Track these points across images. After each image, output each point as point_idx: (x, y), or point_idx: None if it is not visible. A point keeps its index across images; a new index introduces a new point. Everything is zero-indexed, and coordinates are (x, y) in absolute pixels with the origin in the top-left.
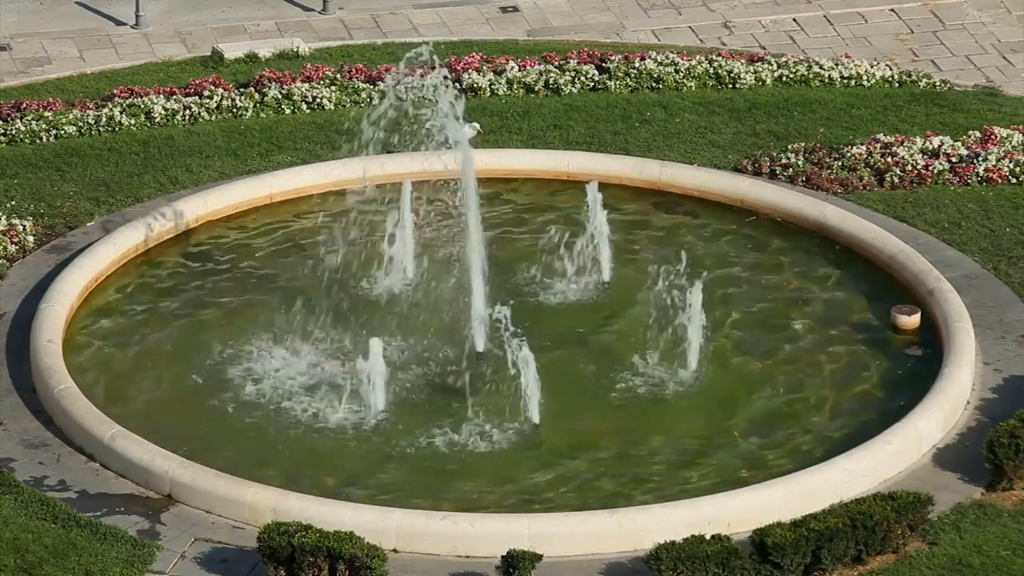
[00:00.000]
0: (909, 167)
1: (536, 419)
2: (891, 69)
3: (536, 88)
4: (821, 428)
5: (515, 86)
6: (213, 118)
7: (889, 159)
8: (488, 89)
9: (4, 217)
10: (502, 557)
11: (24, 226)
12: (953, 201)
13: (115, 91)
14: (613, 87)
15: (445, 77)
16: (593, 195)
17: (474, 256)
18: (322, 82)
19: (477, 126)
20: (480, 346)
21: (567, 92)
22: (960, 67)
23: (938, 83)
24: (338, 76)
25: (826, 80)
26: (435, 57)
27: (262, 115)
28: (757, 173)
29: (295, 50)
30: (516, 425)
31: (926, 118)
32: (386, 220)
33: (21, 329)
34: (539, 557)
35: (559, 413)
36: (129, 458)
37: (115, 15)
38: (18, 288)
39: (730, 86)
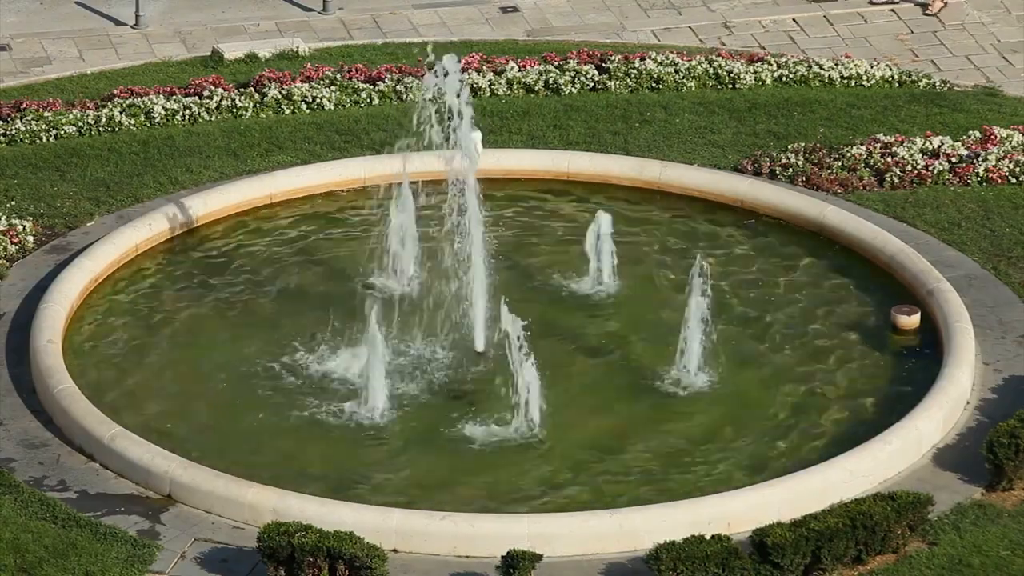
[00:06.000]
0: (909, 167)
1: (536, 419)
2: (891, 69)
3: (536, 88)
4: (821, 428)
5: (515, 86)
6: (213, 118)
7: (889, 159)
8: (488, 89)
9: (4, 217)
10: (502, 557)
11: (24, 226)
12: (953, 201)
13: (115, 91)
14: (613, 87)
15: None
16: (604, 224)
17: (475, 255)
18: (322, 82)
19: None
20: (480, 345)
21: (567, 92)
22: (960, 67)
23: (938, 83)
24: (338, 76)
25: (826, 80)
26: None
27: (262, 115)
28: (757, 173)
29: (295, 50)
30: (516, 425)
31: (926, 118)
32: (386, 220)
33: (21, 329)
34: (539, 557)
35: (560, 413)
36: (129, 458)
37: (115, 15)
38: (18, 288)
39: (730, 86)
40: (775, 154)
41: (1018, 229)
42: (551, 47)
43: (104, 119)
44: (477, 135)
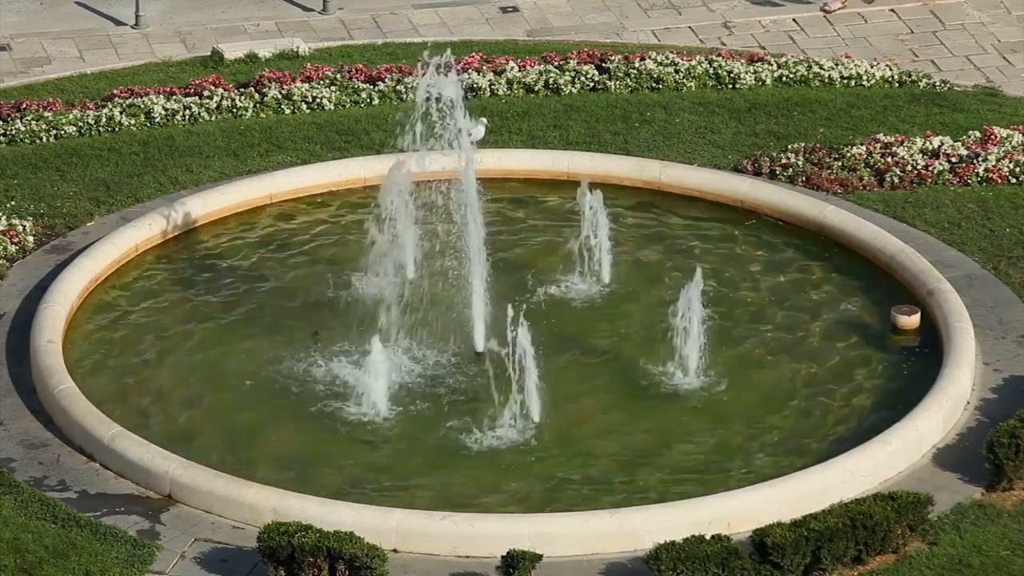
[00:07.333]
0: (909, 167)
1: (536, 418)
2: (891, 69)
3: (536, 88)
4: (821, 428)
5: (515, 86)
6: (213, 118)
7: (889, 159)
8: (488, 89)
9: (4, 217)
10: (502, 557)
11: (24, 226)
12: (953, 201)
13: (115, 91)
14: (613, 87)
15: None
16: (595, 201)
17: (474, 255)
18: (322, 82)
19: (485, 120)
20: (480, 346)
21: (567, 92)
22: (960, 67)
23: (938, 83)
24: (338, 76)
25: (826, 80)
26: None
27: (262, 115)
28: (757, 173)
29: (295, 50)
30: (516, 425)
31: (926, 118)
32: (385, 220)
33: (21, 329)
34: (539, 557)
35: (559, 412)
36: (129, 458)
37: (115, 15)
38: (18, 288)
39: (730, 86)
40: (775, 154)
41: (1018, 229)
42: (551, 47)
43: (104, 119)
44: (480, 129)
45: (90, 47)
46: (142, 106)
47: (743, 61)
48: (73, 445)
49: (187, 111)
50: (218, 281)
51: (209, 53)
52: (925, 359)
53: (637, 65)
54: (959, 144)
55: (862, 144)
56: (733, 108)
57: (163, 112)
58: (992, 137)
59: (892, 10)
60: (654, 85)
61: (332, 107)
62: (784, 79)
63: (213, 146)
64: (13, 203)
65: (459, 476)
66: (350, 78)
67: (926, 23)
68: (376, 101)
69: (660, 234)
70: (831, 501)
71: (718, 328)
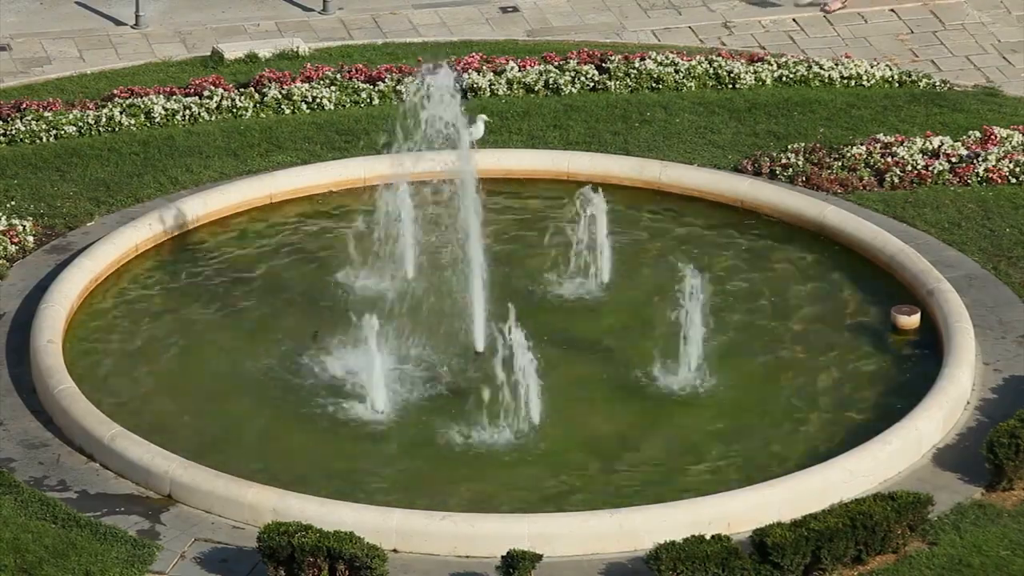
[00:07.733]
0: (909, 167)
1: (536, 419)
2: (891, 69)
3: (536, 88)
4: (821, 428)
5: (515, 86)
6: (213, 118)
7: (889, 159)
8: (488, 89)
9: (4, 217)
10: (502, 557)
11: (24, 226)
12: (953, 201)
13: (115, 91)
14: (613, 87)
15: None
16: (597, 201)
17: (473, 255)
18: (322, 82)
19: (485, 117)
20: (479, 346)
21: (567, 92)
22: (960, 67)
23: (938, 83)
24: (338, 76)
25: (826, 80)
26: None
27: (262, 115)
28: (757, 173)
29: (295, 50)
30: (515, 425)
31: (926, 118)
32: (385, 220)
33: (21, 329)
34: (539, 557)
35: (559, 413)
36: (129, 458)
37: (115, 15)
38: (18, 288)
39: (730, 86)
40: (775, 154)
41: (1018, 229)
42: (551, 47)
43: (104, 119)
44: (480, 127)
45: (90, 47)
46: (142, 106)
47: (743, 61)
48: (73, 445)
49: (187, 111)
50: (218, 281)
51: (209, 53)
52: (925, 359)
53: (637, 65)
54: (959, 144)
55: (862, 144)
56: (733, 108)
57: (163, 112)
58: (992, 137)
59: (892, 10)
60: (654, 85)
61: (332, 107)
62: (784, 79)
63: (213, 146)
64: (13, 203)
65: (459, 476)
66: (350, 78)
67: (926, 23)
68: (376, 101)
69: (660, 234)
70: (831, 501)
71: (717, 328)
